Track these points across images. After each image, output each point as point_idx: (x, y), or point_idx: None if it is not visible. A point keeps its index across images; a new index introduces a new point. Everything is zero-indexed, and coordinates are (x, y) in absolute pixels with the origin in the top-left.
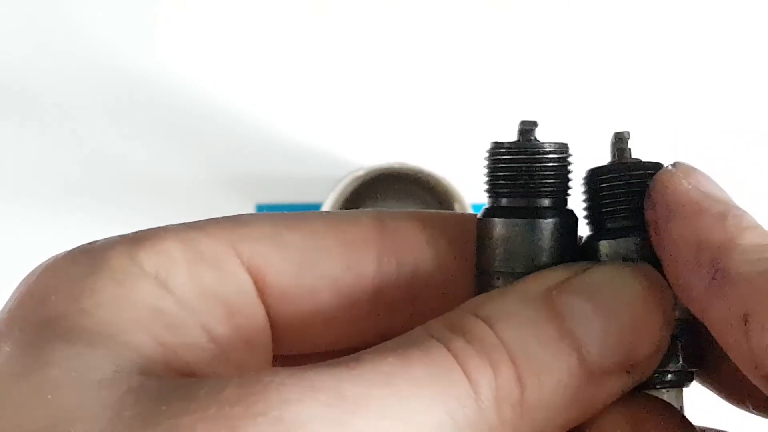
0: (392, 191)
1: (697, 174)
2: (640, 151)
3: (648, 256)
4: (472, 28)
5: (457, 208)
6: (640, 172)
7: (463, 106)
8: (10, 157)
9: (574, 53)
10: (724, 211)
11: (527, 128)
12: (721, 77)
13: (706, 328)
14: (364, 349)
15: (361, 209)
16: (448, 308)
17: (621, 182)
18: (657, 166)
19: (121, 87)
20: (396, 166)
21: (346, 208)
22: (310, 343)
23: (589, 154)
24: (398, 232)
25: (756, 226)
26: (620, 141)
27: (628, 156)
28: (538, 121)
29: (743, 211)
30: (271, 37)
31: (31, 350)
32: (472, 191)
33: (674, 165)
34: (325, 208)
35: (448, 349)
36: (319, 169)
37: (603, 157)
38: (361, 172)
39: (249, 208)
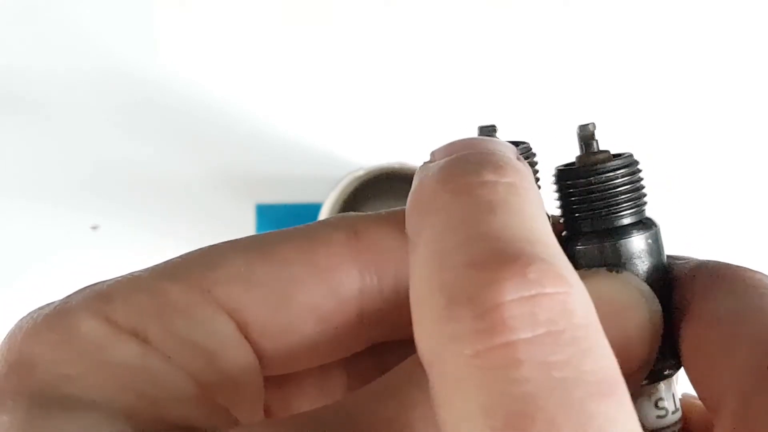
0: (392, 191)
1: None
2: (640, 150)
3: (620, 259)
4: (472, 28)
5: None
6: (609, 174)
7: (462, 106)
8: (18, 158)
9: (574, 54)
10: None
11: (488, 132)
12: (721, 77)
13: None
14: (352, 359)
15: (333, 219)
16: None
17: (591, 185)
18: (628, 161)
19: (123, 89)
20: (396, 166)
21: (346, 208)
22: (299, 365)
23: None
24: (374, 242)
25: None
26: (585, 133)
27: (595, 149)
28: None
29: None
30: (272, 38)
31: (30, 418)
32: None
33: None
34: (325, 208)
35: None
36: (319, 169)
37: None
38: (361, 172)
39: (249, 208)
